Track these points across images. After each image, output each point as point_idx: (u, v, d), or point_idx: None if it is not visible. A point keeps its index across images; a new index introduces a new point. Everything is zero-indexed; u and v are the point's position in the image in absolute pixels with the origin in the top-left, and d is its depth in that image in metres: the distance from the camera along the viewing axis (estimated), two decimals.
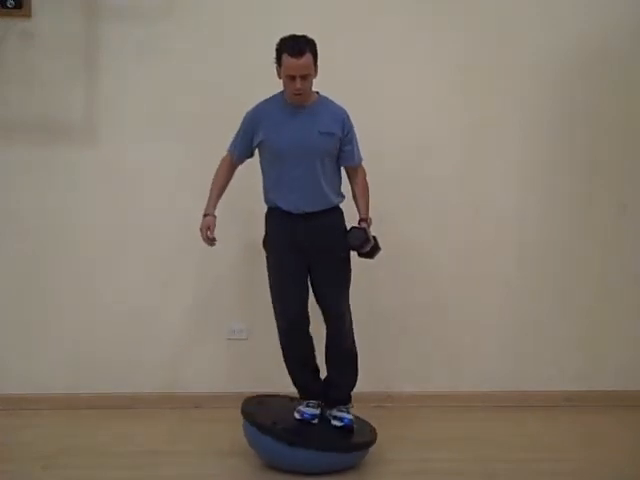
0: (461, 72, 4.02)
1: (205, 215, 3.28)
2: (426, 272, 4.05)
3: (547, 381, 4.09)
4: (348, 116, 3.30)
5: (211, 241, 3.27)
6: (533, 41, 4.02)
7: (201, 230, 3.26)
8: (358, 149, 3.36)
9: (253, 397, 3.40)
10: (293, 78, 3.12)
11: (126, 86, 3.96)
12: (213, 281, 4.02)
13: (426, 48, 4.02)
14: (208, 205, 3.30)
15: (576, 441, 3.58)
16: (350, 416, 3.34)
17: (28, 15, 3.87)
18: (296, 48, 3.10)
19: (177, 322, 4.03)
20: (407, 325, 4.06)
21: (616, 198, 4.10)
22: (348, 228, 3.30)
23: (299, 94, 3.16)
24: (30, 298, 4.00)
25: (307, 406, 3.33)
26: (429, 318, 4.07)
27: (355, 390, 3.80)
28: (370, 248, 3.29)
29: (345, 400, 3.40)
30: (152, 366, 4.02)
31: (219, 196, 3.33)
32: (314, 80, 3.22)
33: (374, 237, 3.31)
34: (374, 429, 3.37)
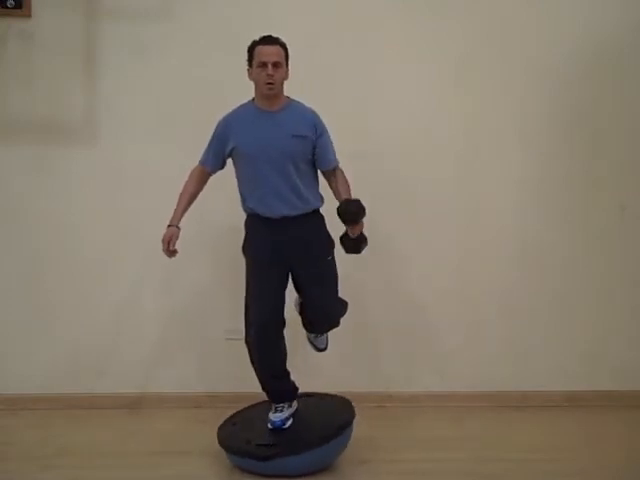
0: (460, 73, 4.02)
1: (169, 226, 3.24)
2: (426, 272, 4.05)
3: (547, 381, 4.09)
4: (320, 118, 3.28)
5: (171, 253, 3.23)
6: (532, 42, 4.02)
7: (163, 241, 3.22)
8: (333, 151, 3.32)
9: (227, 420, 3.39)
10: (265, 65, 3.13)
11: (126, 86, 3.97)
12: (213, 281, 4.02)
13: (425, 49, 4.02)
14: (174, 216, 3.25)
15: (576, 441, 3.57)
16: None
17: (28, 15, 3.87)
18: (267, 38, 3.18)
19: (177, 322, 4.03)
20: (407, 325, 4.06)
21: (615, 199, 4.10)
22: (339, 205, 3.22)
23: (271, 83, 3.15)
24: (30, 298, 4.00)
25: (276, 411, 3.29)
26: (429, 318, 4.07)
27: (355, 390, 3.81)
28: (358, 241, 3.21)
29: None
30: (152, 366, 4.03)
31: (187, 208, 3.29)
32: (286, 82, 3.23)
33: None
34: (350, 407, 3.34)
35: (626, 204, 4.10)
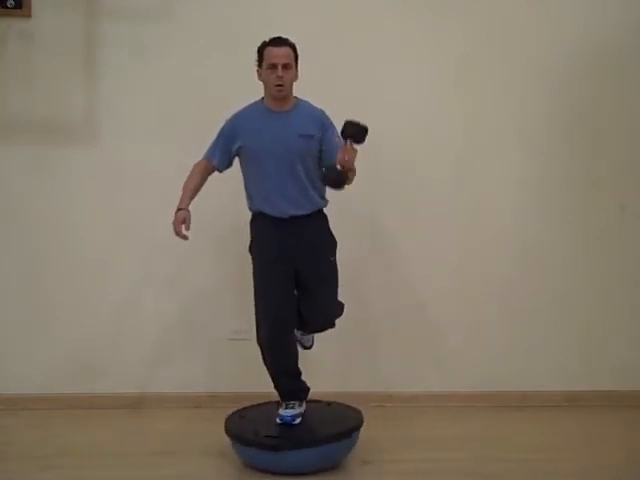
0: (460, 73, 4.02)
1: (179, 209, 3.19)
2: (426, 272, 4.05)
3: (547, 381, 4.09)
4: (326, 115, 3.28)
5: (184, 236, 3.19)
6: (532, 42, 4.03)
7: (174, 224, 3.17)
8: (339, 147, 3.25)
9: (235, 412, 3.38)
10: (275, 67, 3.14)
11: (126, 86, 3.97)
12: (215, 281, 4.02)
13: (425, 49, 4.03)
14: (182, 201, 3.22)
15: (576, 441, 3.57)
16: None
17: (28, 15, 3.88)
18: (277, 40, 3.19)
19: (178, 322, 4.03)
20: (407, 325, 4.06)
21: (615, 199, 4.10)
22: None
23: (281, 85, 3.15)
24: (30, 298, 4.00)
25: (286, 408, 3.28)
26: (429, 318, 4.07)
27: (355, 390, 3.82)
28: (343, 174, 3.03)
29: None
30: (152, 366, 4.03)
31: (193, 196, 3.26)
32: (295, 84, 3.23)
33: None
34: (359, 413, 3.33)
35: (626, 204, 4.09)
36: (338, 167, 3.04)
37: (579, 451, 3.43)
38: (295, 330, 3.49)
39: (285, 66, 3.16)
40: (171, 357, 4.03)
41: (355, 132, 3.03)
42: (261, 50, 3.20)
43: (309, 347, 3.59)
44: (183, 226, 3.18)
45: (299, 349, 3.55)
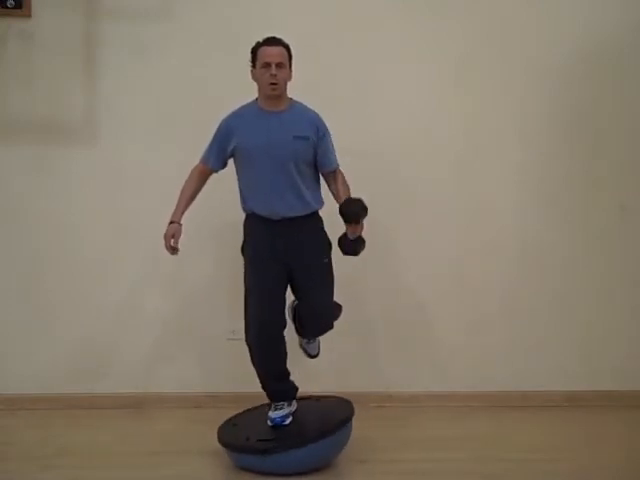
0: (460, 73, 4.03)
1: (171, 222, 3.22)
2: (426, 272, 4.05)
3: (547, 381, 4.09)
4: (322, 120, 3.28)
5: (173, 250, 3.22)
6: (532, 42, 4.03)
7: (165, 237, 3.20)
8: (334, 153, 3.32)
9: (228, 420, 3.40)
10: (269, 66, 3.15)
11: (126, 86, 3.97)
12: (215, 281, 4.02)
13: (425, 49, 4.03)
14: (175, 213, 3.24)
15: (576, 441, 3.57)
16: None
17: (28, 15, 3.88)
18: (271, 39, 3.21)
19: (178, 322, 4.03)
20: (407, 325, 4.06)
21: (615, 199, 4.10)
22: (340, 207, 3.19)
23: (275, 83, 3.16)
24: (30, 298, 4.00)
25: (275, 409, 3.29)
26: (429, 318, 4.07)
27: (355, 390, 3.81)
28: (356, 243, 3.16)
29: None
30: (152, 366, 4.02)
31: (188, 205, 3.28)
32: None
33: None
34: (350, 405, 3.34)
35: (626, 204, 4.10)
36: (350, 237, 3.15)
37: (579, 451, 3.44)
38: (299, 339, 3.49)
39: (279, 65, 3.16)
40: (171, 357, 4.03)
41: (354, 215, 3.12)
42: (255, 50, 3.21)
43: (315, 356, 3.59)
44: (172, 240, 3.21)
45: (306, 357, 3.56)
